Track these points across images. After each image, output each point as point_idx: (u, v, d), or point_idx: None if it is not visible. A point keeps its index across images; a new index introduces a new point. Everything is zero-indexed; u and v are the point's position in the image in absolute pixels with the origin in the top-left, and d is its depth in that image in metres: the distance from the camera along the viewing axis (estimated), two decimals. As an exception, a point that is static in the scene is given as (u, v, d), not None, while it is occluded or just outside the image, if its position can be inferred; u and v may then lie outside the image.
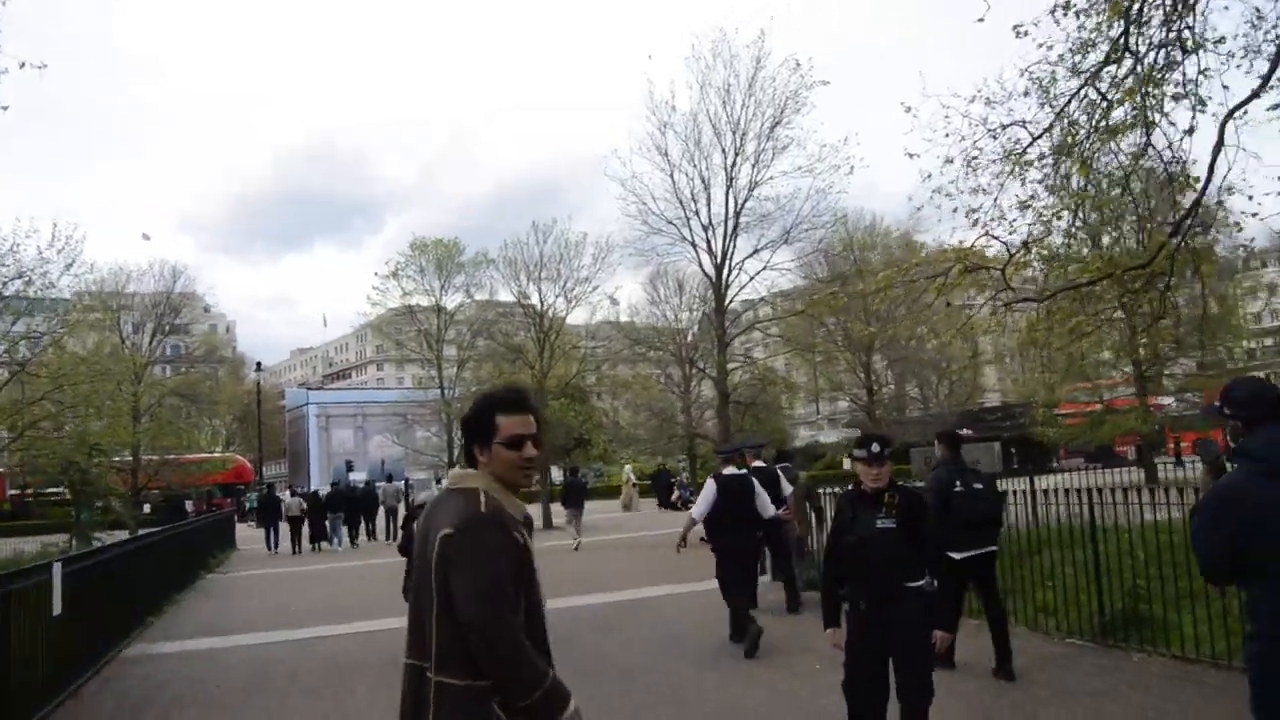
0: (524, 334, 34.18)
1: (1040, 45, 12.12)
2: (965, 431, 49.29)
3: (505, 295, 33.05)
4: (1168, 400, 35.05)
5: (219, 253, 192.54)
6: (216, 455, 50.26)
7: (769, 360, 22.04)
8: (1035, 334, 15.97)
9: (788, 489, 11.84)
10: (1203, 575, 4.00)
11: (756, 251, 21.23)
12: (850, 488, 5.52)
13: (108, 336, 36.81)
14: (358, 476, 62.19)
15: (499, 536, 2.75)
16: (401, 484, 37.74)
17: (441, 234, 38.17)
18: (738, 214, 20.90)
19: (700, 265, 21.68)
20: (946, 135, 13.90)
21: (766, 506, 10.20)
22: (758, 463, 12.01)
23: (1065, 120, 13.57)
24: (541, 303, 31.12)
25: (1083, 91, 13.03)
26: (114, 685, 9.68)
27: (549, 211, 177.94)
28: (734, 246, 21.07)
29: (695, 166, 20.97)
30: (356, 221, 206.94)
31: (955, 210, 13.42)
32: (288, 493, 33.10)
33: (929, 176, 13.91)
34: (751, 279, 21.56)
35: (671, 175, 21.24)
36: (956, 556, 7.60)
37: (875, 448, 5.24)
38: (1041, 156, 14.15)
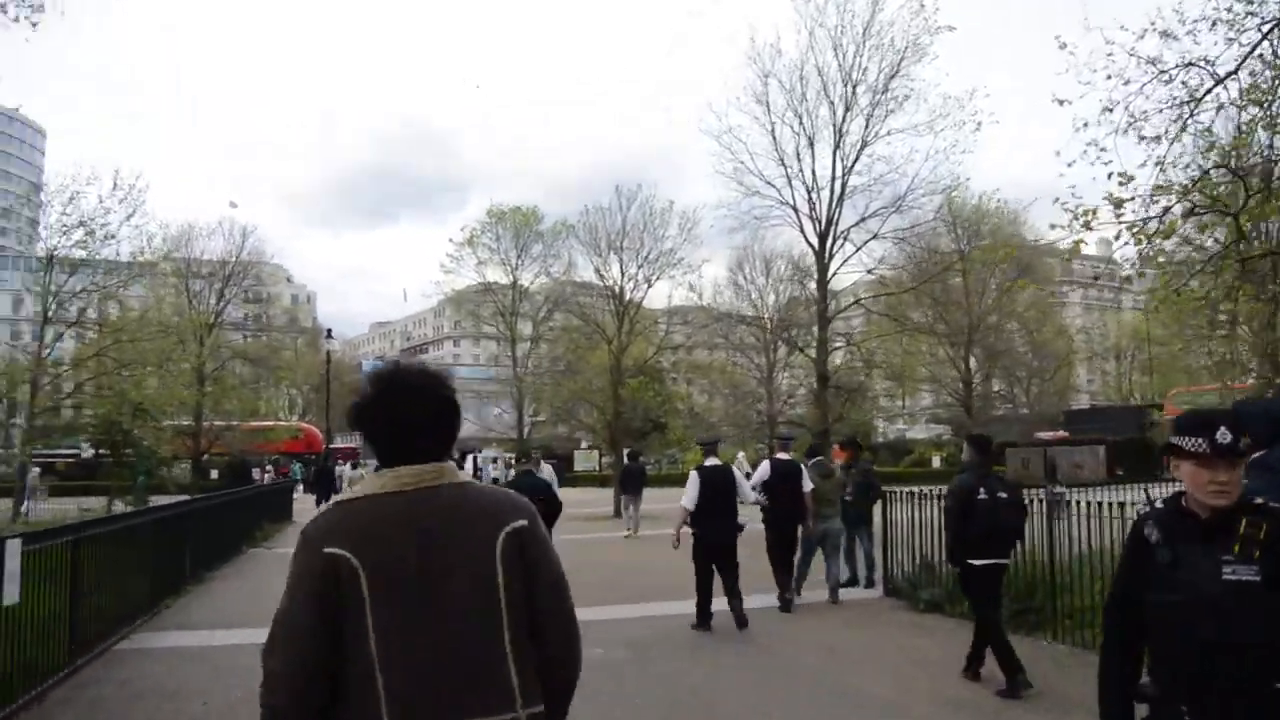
0: (602, 309, 32.25)
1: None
2: (1059, 434, 46.69)
3: (584, 268, 31.05)
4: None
5: (311, 225, 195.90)
6: (284, 424, 49.31)
7: (868, 342, 19.38)
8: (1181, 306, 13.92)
9: (809, 485, 11.72)
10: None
11: (863, 220, 18.73)
12: (1160, 506, 3.02)
13: (169, 294, 35.75)
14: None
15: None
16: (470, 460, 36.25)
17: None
18: (845, 176, 18.44)
19: (802, 231, 19.18)
20: (1109, 77, 11.58)
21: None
22: (782, 455, 12.21)
23: (1262, 59, 11.16)
24: (623, 273, 29.10)
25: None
26: (90, 692, 7.93)
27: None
28: (839, 213, 18.66)
29: (800, 121, 18.54)
30: (443, 199, 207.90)
31: (1110, 175, 11.19)
32: (348, 465, 31.80)
33: (1084, 125, 11.58)
34: (858, 249, 19.12)
35: (773, 131, 18.85)
36: (977, 564, 7.72)
37: (1224, 435, 2.76)
38: (1221, 107, 11.73)
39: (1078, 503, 10.28)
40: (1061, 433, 46.52)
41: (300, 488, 37.08)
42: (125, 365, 23.69)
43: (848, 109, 18.13)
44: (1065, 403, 59.20)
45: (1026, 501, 8.38)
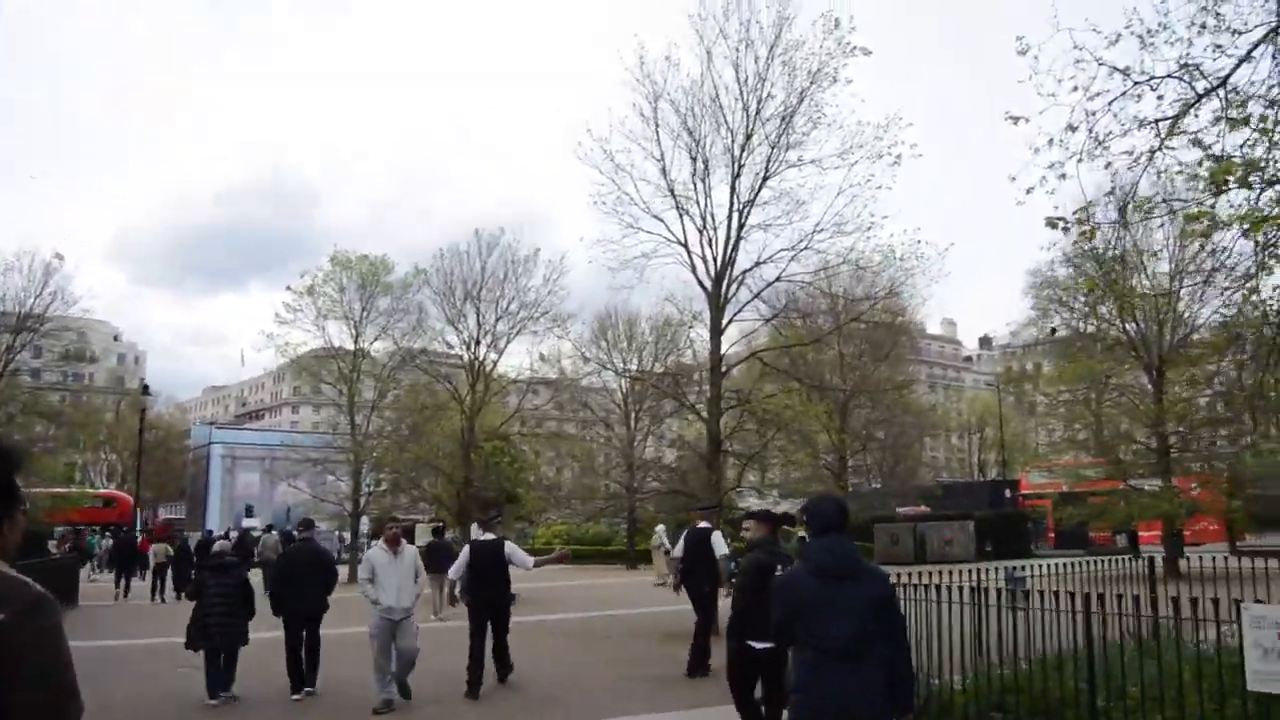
0: (455, 366, 29.54)
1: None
2: (920, 509, 45.96)
3: (438, 319, 28.22)
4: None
5: (149, 285, 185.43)
6: (87, 491, 44.33)
7: (771, 400, 17.05)
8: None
9: (722, 550, 12.04)
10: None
11: (759, 264, 16.65)
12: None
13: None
14: (252, 523, 56.91)
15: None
16: (279, 535, 32.55)
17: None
18: (745, 211, 16.48)
19: (694, 272, 16.93)
20: (1075, 89, 9.82)
21: (524, 562, 11.84)
22: (703, 524, 12.67)
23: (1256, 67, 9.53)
24: (479, 325, 26.49)
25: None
26: None
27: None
28: (735, 254, 16.49)
29: (694, 149, 16.52)
30: (296, 264, 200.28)
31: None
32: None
33: (1040, 150, 9.80)
34: (755, 295, 16.96)
35: (662, 159, 16.78)
36: (758, 646, 7.29)
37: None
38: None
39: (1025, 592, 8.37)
40: (923, 508, 45.74)
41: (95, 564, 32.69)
42: None
43: (748, 137, 16.21)
44: (917, 479, 59.03)
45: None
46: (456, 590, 11.90)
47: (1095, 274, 28.86)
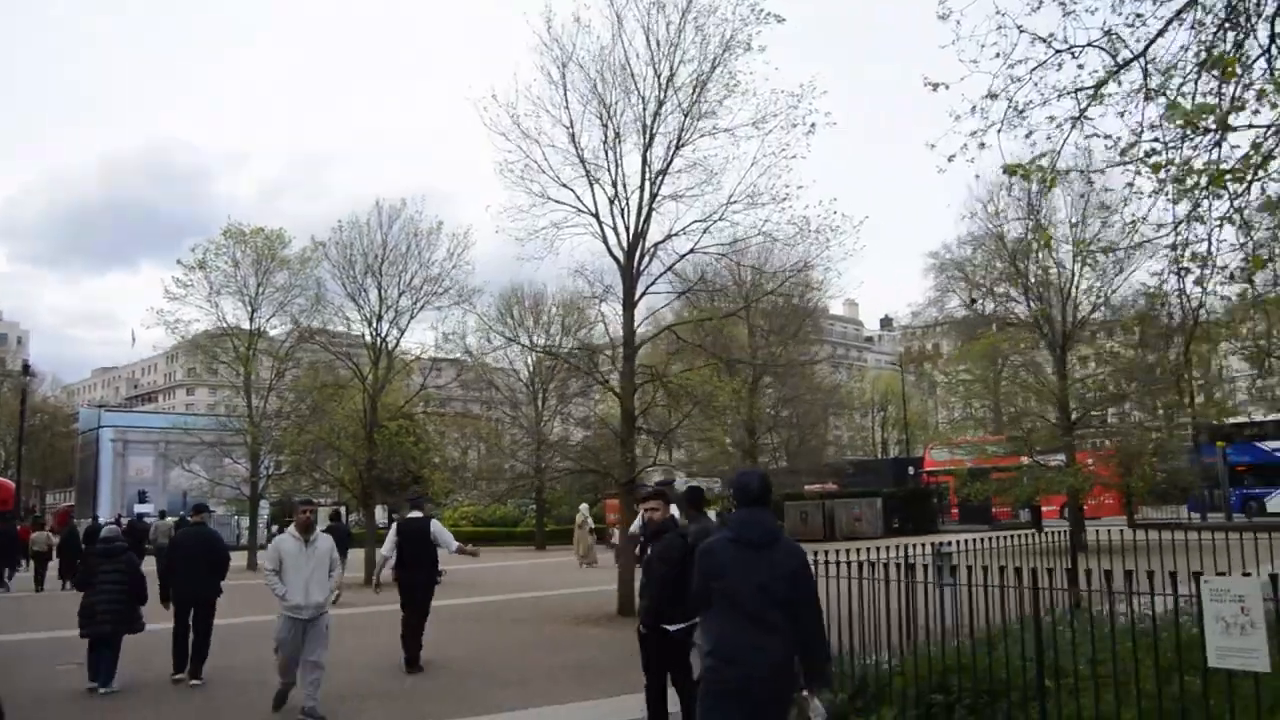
0: (356, 345, 28.51)
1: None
2: (827, 486, 46.38)
3: (337, 294, 27.09)
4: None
5: (32, 264, 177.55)
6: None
7: (688, 374, 16.61)
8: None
9: (454, 543, 12.14)
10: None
11: (670, 236, 16.15)
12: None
13: None
14: (145, 508, 54.85)
15: None
16: (173, 520, 31.27)
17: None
18: (657, 182, 15.92)
19: (605, 243, 16.32)
20: (997, 55, 9.54)
21: (449, 543, 11.92)
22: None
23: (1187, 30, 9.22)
24: (382, 300, 25.47)
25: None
26: None
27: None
28: (647, 225, 15.87)
29: (604, 117, 15.86)
30: (190, 242, 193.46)
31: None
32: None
33: (961, 117, 9.51)
34: (668, 269, 16.41)
35: (570, 127, 16.13)
36: (672, 629, 7.15)
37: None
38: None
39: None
40: (830, 485, 46.16)
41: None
42: None
43: (660, 104, 15.67)
44: (823, 457, 59.62)
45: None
46: (388, 569, 11.83)
47: (1002, 253, 29.31)
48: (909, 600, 8.02)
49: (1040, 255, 24.85)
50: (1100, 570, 6.16)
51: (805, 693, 4.70)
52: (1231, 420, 38.61)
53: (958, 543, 11.19)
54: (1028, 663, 6.44)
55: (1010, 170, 8.30)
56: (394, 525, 12.05)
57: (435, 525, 11.99)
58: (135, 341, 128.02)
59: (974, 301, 31.12)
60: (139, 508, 58.24)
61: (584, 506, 31.79)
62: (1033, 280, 28.11)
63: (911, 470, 52.88)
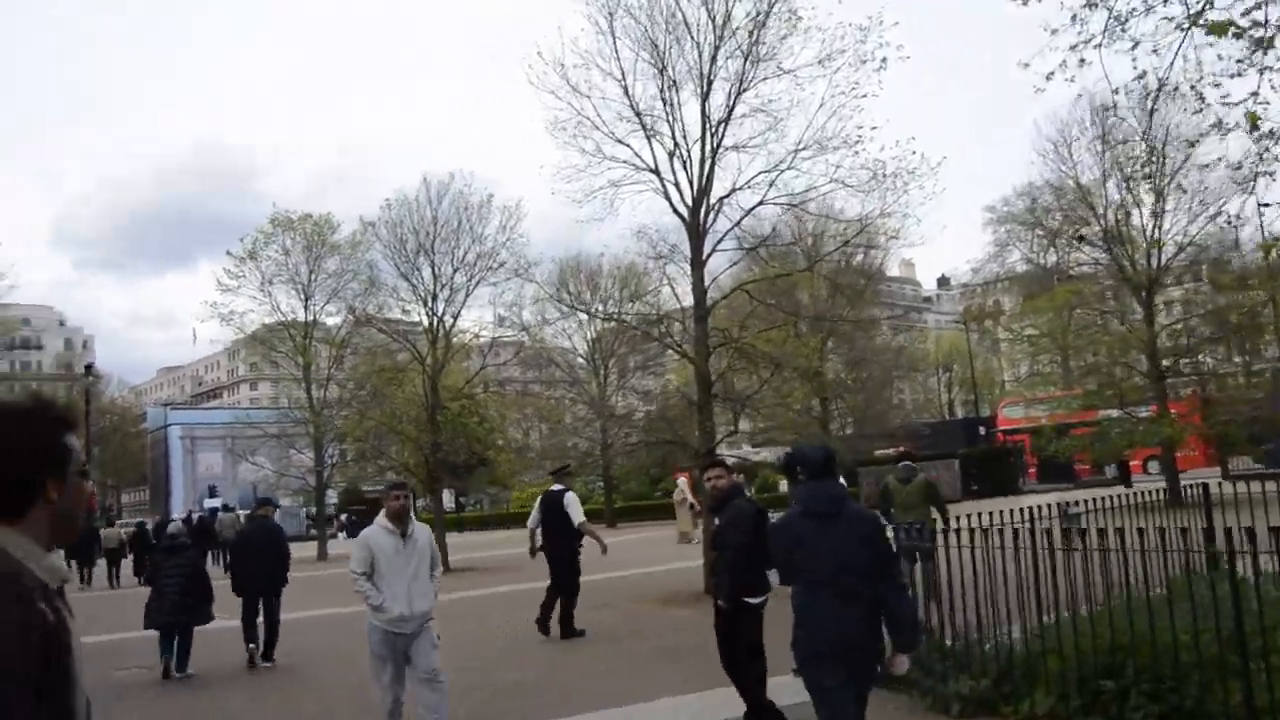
0: (413, 327, 27.98)
1: None
2: (899, 449, 45.17)
3: (389, 276, 26.54)
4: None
5: (94, 270, 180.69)
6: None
7: (764, 335, 15.63)
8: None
9: (579, 518, 12.06)
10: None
11: (736, 190, 15.13)
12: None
13: None
14: (214, 503, 55.26)
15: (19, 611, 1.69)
16: (242, 514, 31.10)
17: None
18: (716, 132, 14.74)
19: (668, 199, 15.44)
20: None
21: (577, 515, 12.05)
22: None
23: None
24: (435, 278, 24.85)
25: None
26: None
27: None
28: (711, 180, 14.90)
29: (660, 66, 14.91)
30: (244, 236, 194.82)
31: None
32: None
33: (1059, 30, 8.49)
34: (736, 224, 15.45)
35: (624, 79, 15.17)
36: (754, 601, 6.92)
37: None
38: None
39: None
40: (901, 448, 44.92)
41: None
42: None
43: (716, 48, 14.65)
44: (888, 421, 58.32)
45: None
46: (537, 541, 12.35)
47: (1078, 196, 27.85)
48: (1043, 569, 7.04)
49: (1125, 195, 23.51)
50: (1240, 528, 5.31)
51: (892, 657, 4.81)
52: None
53: (1056, 504, 10.30)
54: (1203, 635, 5.51)
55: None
56: (538, 499, 12.80)
57: (568, 497, 12.27)
58: (196, 339, 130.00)
59: (1056, 244, 29.54)
60: (209, 503, 58.72)
61: (682, 481, 29.48)
62: (1113, 221, 26.60)
63: (982, 430, 51.33)
